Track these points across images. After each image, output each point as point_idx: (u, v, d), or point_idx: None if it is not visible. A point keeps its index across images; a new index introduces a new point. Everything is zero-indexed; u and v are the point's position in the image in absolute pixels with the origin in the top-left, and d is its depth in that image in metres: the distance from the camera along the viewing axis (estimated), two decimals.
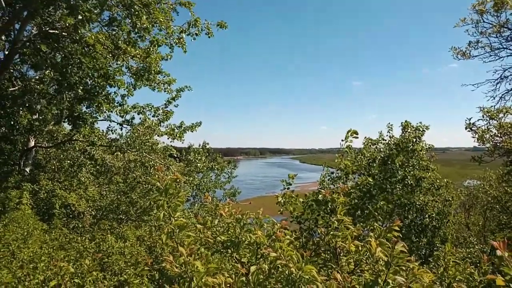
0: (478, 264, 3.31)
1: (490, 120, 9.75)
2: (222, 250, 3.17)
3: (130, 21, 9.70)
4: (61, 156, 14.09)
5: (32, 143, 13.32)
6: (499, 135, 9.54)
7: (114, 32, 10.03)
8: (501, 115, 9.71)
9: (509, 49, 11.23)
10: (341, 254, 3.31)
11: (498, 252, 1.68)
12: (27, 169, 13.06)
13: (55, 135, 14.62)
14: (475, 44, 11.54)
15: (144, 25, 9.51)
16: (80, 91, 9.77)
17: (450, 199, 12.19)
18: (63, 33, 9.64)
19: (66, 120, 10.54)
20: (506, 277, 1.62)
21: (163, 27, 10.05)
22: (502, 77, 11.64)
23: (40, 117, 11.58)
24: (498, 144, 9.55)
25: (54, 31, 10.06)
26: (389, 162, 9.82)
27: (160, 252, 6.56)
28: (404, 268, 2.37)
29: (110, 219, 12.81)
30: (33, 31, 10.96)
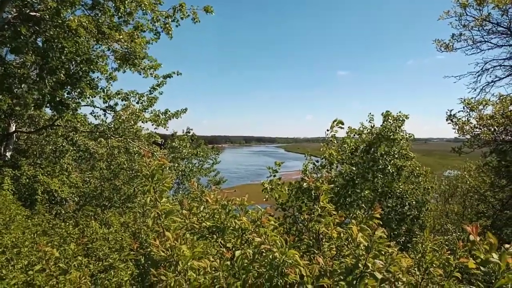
0: (455, 250, 3.44)
1: (470, 112, 10.02)
2: (207, 235, 3.22)
3: (113, 4, 9.50)
4: (43, 141, 13.85)
5: (13, 128, 13.03)
6: (478, 126, 9.81)
7: (97, 17, 9.82)
8: (481, 107, 9.97)
9: (490, 42, 11.47)
10: (324, 240, 3.40)
11: (471, 237, 1.77)
12: (8, 154, 12.80)
13: (36, 120, 14.33)
14: (458, 37, 11.74)
15: (128, 9, 9.34)
16: (62, 75, 9.57)
17: (429, 188, 12.50)
18: (44, 16, 9.38)
19: (48, 105, 10.34)
20: (477, 260, 1.72)
21: (148, 11, 9.87)
22: (483, 69, 11.89)
23: (21, 102, 11.31)
24: (477, 135, 9.82)
25: (35, 13, 9.78)
26: (370, 151, 9.98)
27: (145, 238, 6.58)
28: (383, 252, 2.47)
29: (93, 206, 12.72)
30: (12, 13, 10.63)
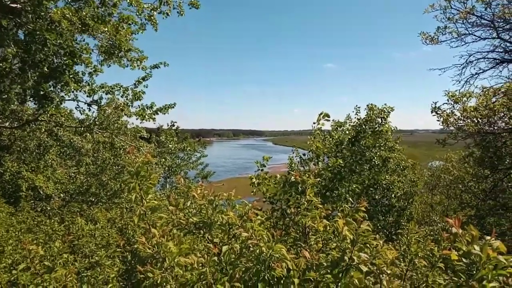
0: (439, 241, 3.51)
1: (455, 104, 10.15)
2: (194, 231, 3.21)
3: None
4: (27, 137, 13.58)
5: None
6: (462, 118, 9.95)
7: (81, 8, 9.60)
8: (464, 99, 10.11)
9: (474, 35, 11.60)
10: (310, 233, 3.42)
11: (453, 229, 1.80)
12: None
13: (19, 115, 14.03)
14: (443, 29, 11.83)
15: (111, 2, 9.15)
16: (45, 69, 9.36)
17: (416, 180, 12.70)
18: (26, 8, 9.14)
19: (31, 99, 10.12)
20: (459, 251, 1.75)
21: (133, 2, 9.70)
22: (467, 62, 12.02)
23: (4, 96, 11.04)
24: (461, 127, 9.97)
25: (16, 5, 9.52)
26: (356, 144, 10.07)
27: (132, 234, 6.54)
28: (368, 245, 2.50)
29: (79, 202, 12.57)
30: None
